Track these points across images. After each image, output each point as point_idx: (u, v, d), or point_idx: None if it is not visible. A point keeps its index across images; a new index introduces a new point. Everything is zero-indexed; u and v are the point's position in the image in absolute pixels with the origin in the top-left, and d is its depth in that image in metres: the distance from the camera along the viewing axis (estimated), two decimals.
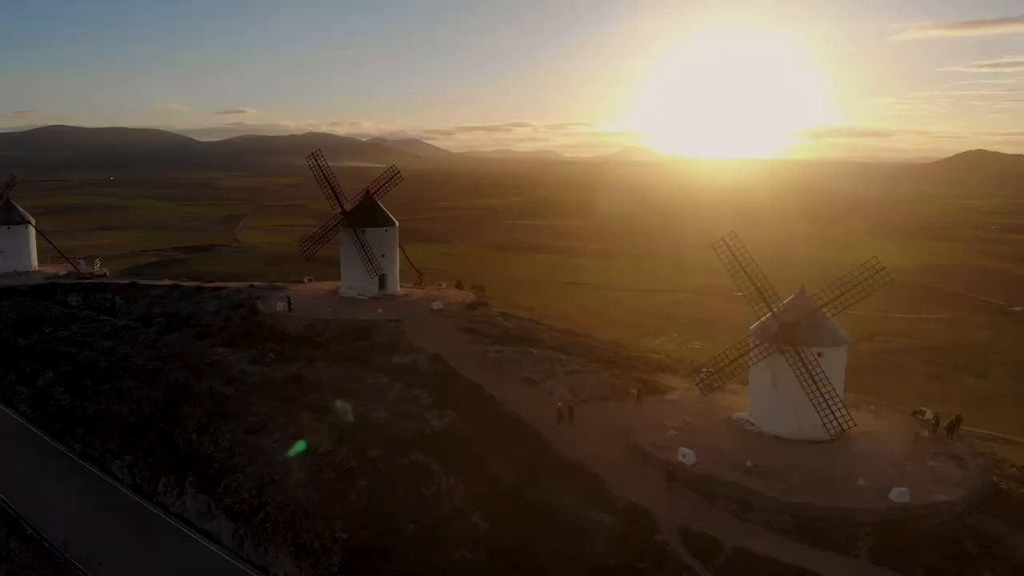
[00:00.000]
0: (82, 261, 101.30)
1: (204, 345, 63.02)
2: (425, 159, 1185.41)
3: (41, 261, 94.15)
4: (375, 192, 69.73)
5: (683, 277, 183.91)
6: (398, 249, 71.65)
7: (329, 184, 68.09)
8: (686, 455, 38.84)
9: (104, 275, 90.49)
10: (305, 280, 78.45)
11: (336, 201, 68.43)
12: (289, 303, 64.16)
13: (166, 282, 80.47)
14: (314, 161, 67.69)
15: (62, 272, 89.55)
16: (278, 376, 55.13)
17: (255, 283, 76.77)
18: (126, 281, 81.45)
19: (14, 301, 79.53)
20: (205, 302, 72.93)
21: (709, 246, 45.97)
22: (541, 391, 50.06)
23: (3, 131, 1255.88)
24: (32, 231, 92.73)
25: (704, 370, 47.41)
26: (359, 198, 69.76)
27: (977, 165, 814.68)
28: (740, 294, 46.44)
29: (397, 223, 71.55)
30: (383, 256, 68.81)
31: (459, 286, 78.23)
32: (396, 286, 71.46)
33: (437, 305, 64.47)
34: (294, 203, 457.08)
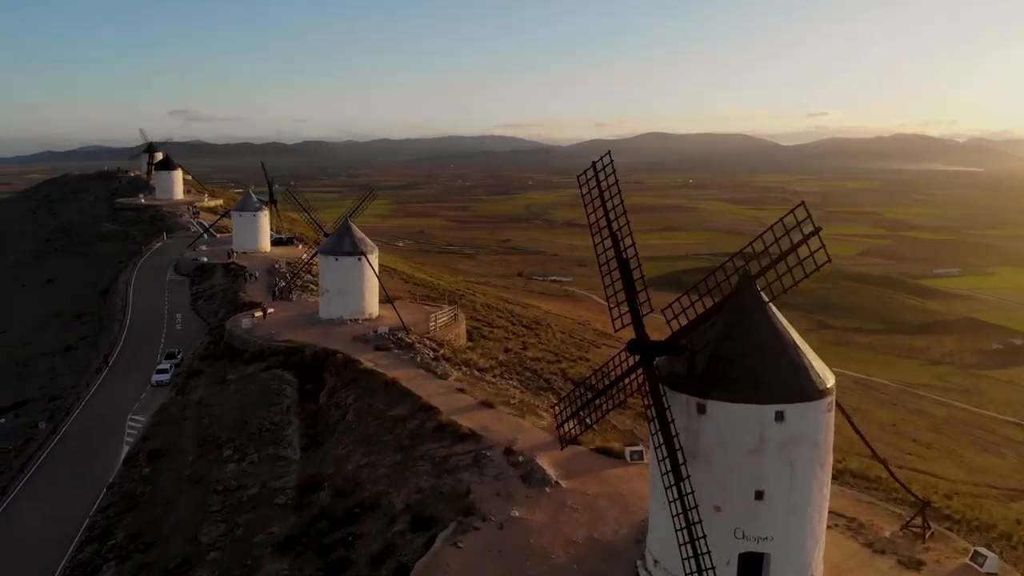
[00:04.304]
0: (447, 308, 74.15)
1: None
2: None
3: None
4: (763, 275, 21.90)
5: None
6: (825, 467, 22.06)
7: (612, 238, 22.74)
8: None
9: (431, 341, 60.09)
10: (629, 456, 34.07)
11: (626, 314, 22.67)
12: None
13: (425, 398, 44.40)
14: (592, 177, 23.30)
15: (382, 329, 61.87)
16: None
17: (489, 447, 35.32)
18: (390, 376, 48.56)
19: (265, 376, 54.17)
20: (420, 471, 35.17)
21: None
22: None
23: (611, 138, 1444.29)
24: (367, 267, 67.55)
25: None
26: (692, 308, 22.67)
27: None
28: None
29: (831, 384, 21.94)
30: (760, 497, 20.73)
31: None
32: None
33: None
34: (863, 211, 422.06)
